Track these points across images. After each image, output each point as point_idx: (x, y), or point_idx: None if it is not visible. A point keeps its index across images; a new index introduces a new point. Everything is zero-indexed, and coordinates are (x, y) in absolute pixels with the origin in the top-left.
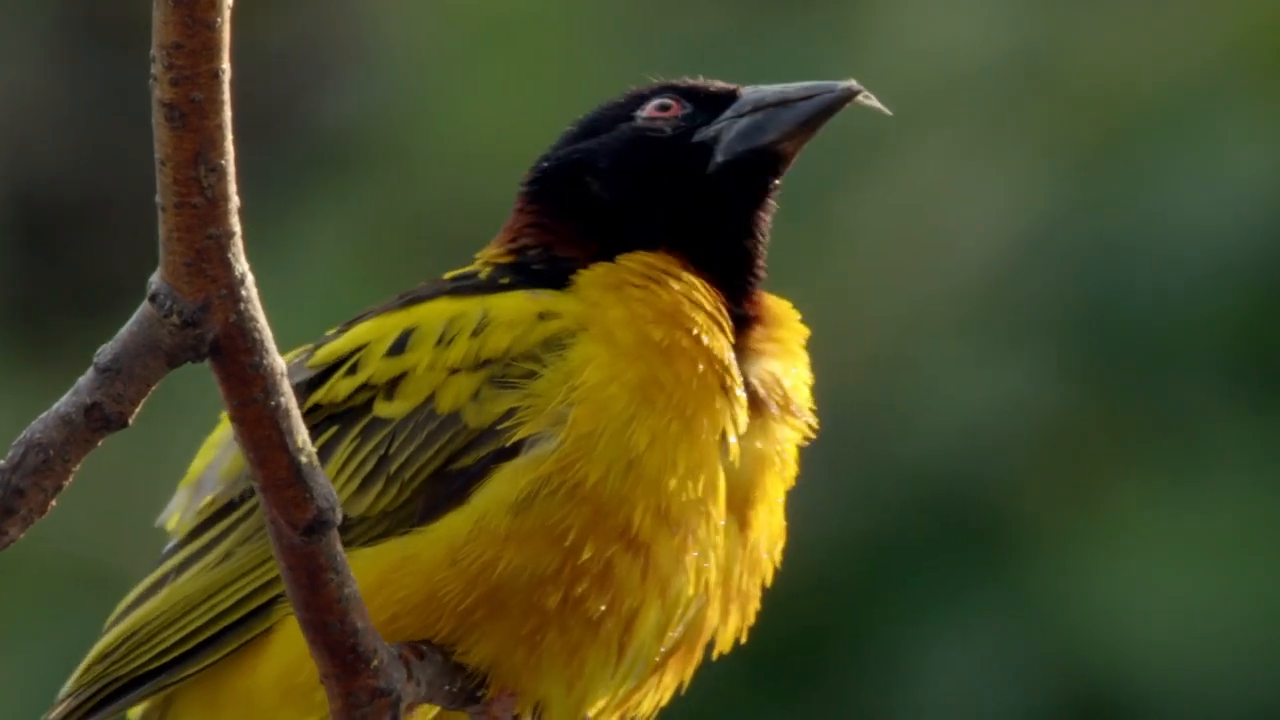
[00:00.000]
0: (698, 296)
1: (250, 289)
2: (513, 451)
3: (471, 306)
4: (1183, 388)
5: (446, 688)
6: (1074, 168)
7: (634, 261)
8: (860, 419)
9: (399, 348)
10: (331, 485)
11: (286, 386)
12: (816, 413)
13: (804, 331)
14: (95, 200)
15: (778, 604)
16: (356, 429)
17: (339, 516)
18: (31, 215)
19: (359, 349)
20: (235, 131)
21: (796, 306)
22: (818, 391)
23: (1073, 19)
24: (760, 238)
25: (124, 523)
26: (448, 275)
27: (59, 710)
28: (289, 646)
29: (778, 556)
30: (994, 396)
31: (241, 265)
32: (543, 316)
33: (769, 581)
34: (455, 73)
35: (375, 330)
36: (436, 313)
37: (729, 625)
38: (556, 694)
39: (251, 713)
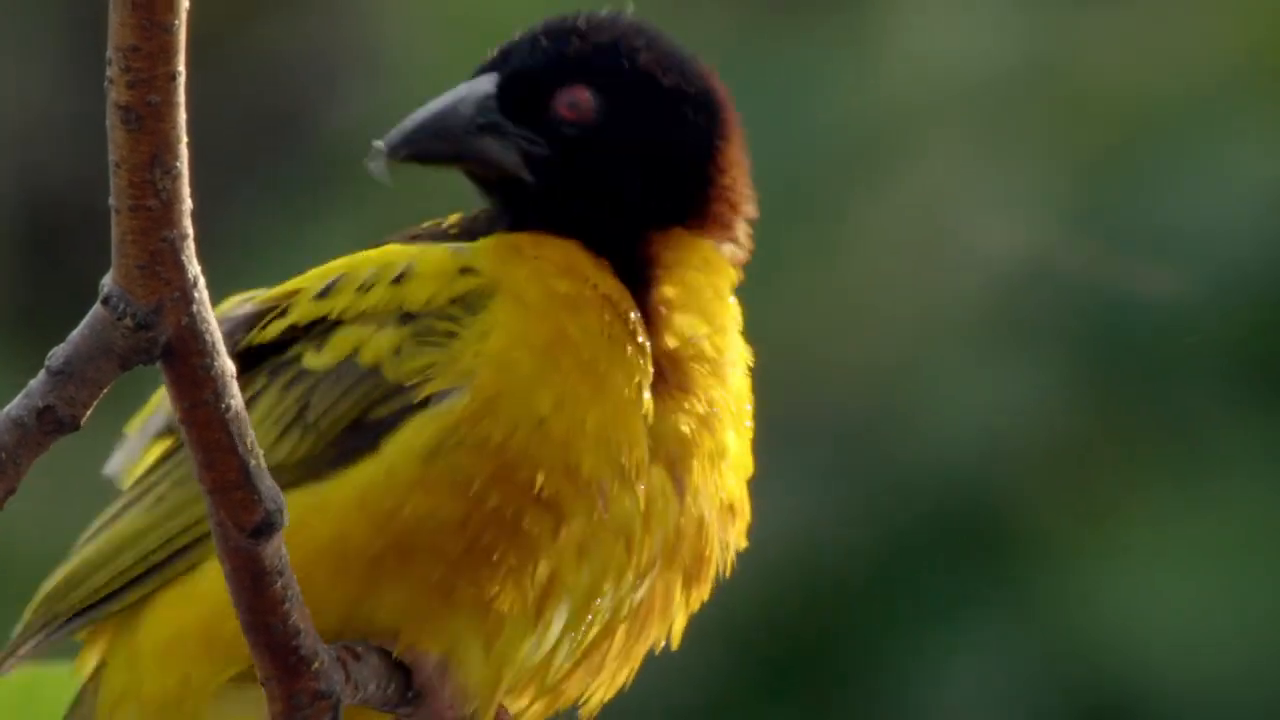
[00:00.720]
0: (581, 255)
1: (202, 291)
2: (424, 405)
3: (404, 256)
4: (1191, 396)
5: (381, 689)
6: (1083, 175)
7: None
8: (868, 426)
9: (326, 291)
10: (278, 489)
11: (236, 390)
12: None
13: (712, 266)
14: (100, 208)
15: (788, 609)
16: (283, 380)
17: (285, 519)
18: (37, 223)
19: (296, 292)
20: (238, 143)
21: (805, 315)
22: (826, 398)
23: (1082, 27)
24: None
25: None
26: (444, 222)
27: (8, 648)
28: (211, 597)
29: (736, 538)
30: (1002, 404)
31: (194, 268)
32: (463, 272)
33: (724, 565)
34: (462, 79)
35: (318, 272)
36: (374, 258)
37: (679, 606)
38: (473, 652)
39: (176, 659)
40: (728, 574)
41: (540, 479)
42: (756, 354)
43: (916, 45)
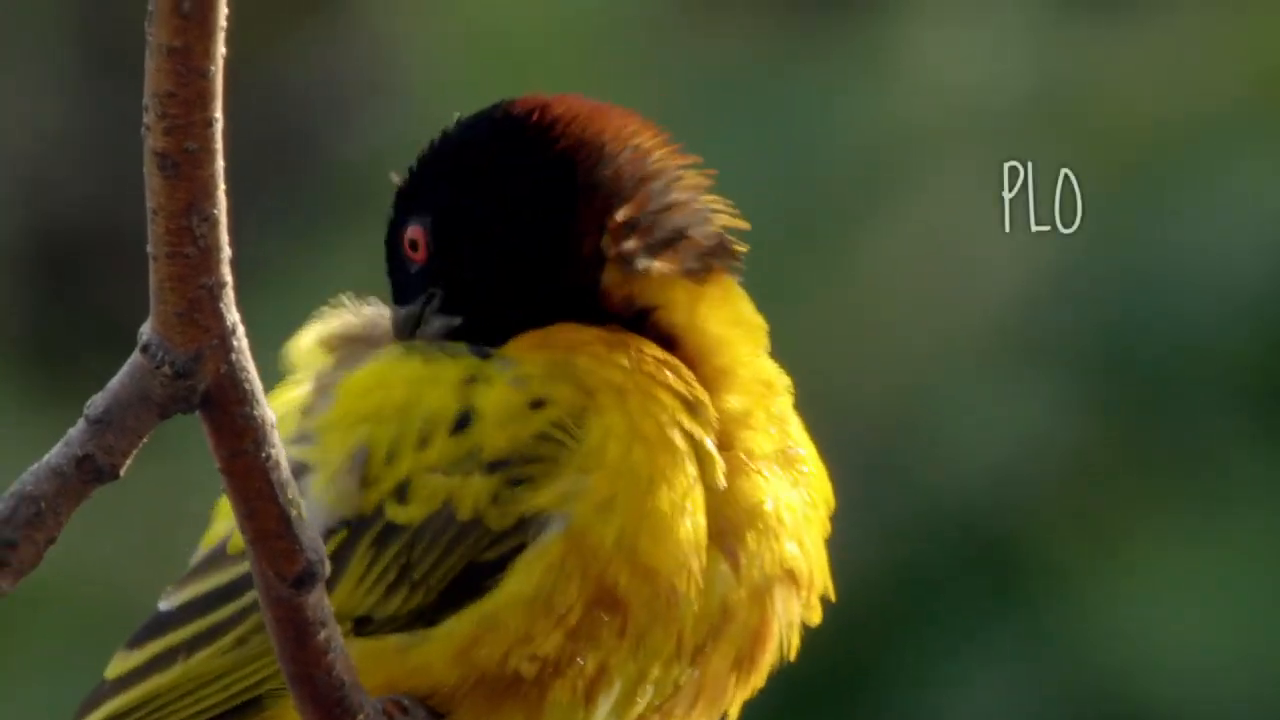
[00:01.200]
0: (646, 349)
1: (241, 339)
2: (523, 546)
3: (444, 397)
4: (1205, 422)
5: None
6: (1098, 198)
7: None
8: (883, 450)
9: (391, 457)
10: (320, 538)
11: (277, 438)
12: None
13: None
14: (114, 235)
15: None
16: (371, 534)
17: (327, 569)
18: (50, 249)
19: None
20: (250, 170)
21: (818, 339)
22: (840, 422)
23: (1096, 51)
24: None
25: (149, 555)
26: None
27: None
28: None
29: (805, 611)
30: (1017, 428)
31: (233, 315)
32: (534, 406)
33: (787, 644)
34: (476, 105)
35: (361, 414)
36: (411, 401)
37: (731, 689)
38: None
39: None
40: (792, 655)
41: (622, 581)
42: None
43: (931, 68)
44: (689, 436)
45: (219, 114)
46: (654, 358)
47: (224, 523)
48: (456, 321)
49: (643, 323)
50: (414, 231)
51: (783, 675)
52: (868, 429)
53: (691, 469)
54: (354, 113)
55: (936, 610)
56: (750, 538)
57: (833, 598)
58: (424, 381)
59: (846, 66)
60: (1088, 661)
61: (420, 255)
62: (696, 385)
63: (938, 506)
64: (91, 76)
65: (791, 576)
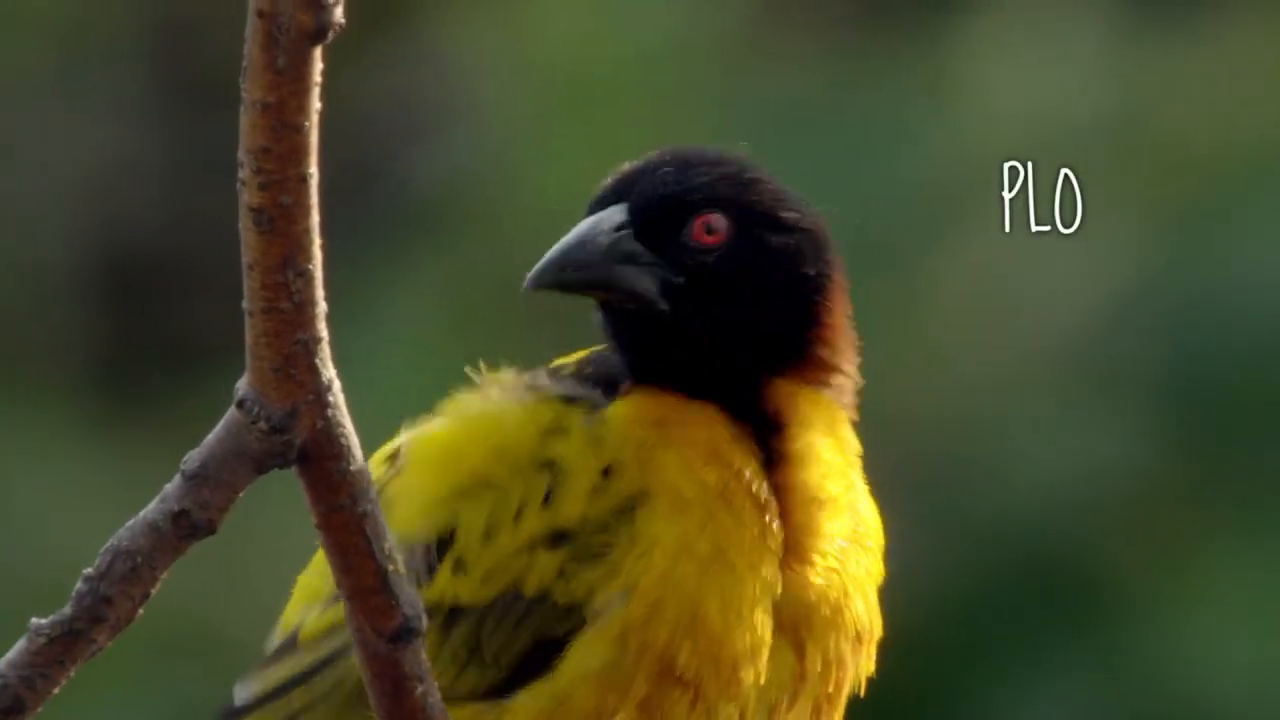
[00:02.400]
0: (721, 430)
1: (337, 394)
2: (587, 620)
3: (538, 458)
4: (1272, 447)
5: None
6: (1163, 228)
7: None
8: (948, 476)
9: (488, 534)
10: (416, 594)
11: (373, 493)
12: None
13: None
14: (185, 259)
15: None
16: (439, 618)
17: (424, 625)
18: (122, 274)
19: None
20: (325, 204)
21: (883, 365)
22: (906, 449)
23: (1163, 78)
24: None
25: (236, 584)
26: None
27: None
28: None
29: (867, 663)
30: (1083, 457)
31: (329, 371)
32: (607, 475)
33: (858, 688)
34: (546, 134)
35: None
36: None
37: None
38: None
39: None
40: (861, 693)
41: (689, 669)
42: None
43: (996, 99)
44: (752, 554)
45: (314, 169)
46: (744, 482)
47: (297, 608)
48: (658, 300)
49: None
50: (715, 219)
51: (850, 702)
52: (934, 455)
53: (749, 580)
54: (420, 138)
55: (1003, 635)
56: (818, 627)
57: (882, 637)
58: (503, 450)
59: (913, 94)
60: (1154, 686)
61: (707, 241)
62: (773, 509)
63: (1004, 532)
64: (165, 106)
65: (857, 638)
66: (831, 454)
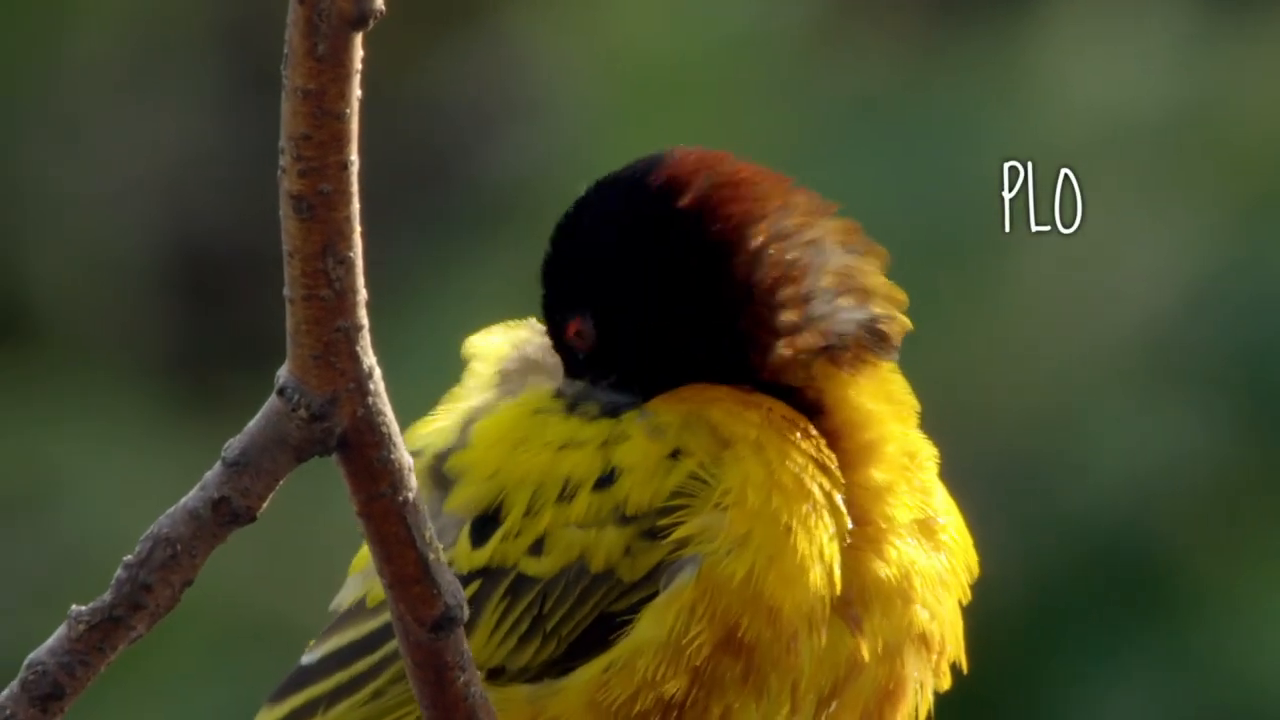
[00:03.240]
0: (776, 408)
1: (378, 382)
2: (654, 595)
3: (587, 459)
4: None
5: None
6: (1238, 220)
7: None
8: (1023, 470)
9: (531, 510)
10: (458, 582)
11: (414, 481)
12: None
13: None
14: (257, 252)
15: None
16: (504, 586)
17: (466, 614)
18: (194, 267)
19: (497, 502)
20: (379, 206)
21: (960, 360)
22: (981, 442)
23: (1237, 73)
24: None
25: (295, 572)
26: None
27: None
28: None
29: (937, 677)
30: (1158, 449)
31: (370, 359)
32: (673, 456)
33: (919, 705)
34: (619, 128)
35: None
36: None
37: None
38: None
39: None
40: (922, 717)
41: (748, 632)
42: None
43: (1072, 93)
44: (824, 491)
45: (354, 156)
46: (784, 417)
47: (364, 576)
48: (627, 399)
49: (792, 395)
50: (577, 325)
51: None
52: (1008, 448)
53: (828, 522)
54: (493, 130)
55: (1079, 629)
56: (877, 604)
57: (964, 668)
58: (565, 446)
59: (987, 86)
60: (1231, 680)
61: (585, 345)
62: (829, 454)
63: (1080, 526)
64: (236, 99)
65: (923, 640)
66: (883, 415)
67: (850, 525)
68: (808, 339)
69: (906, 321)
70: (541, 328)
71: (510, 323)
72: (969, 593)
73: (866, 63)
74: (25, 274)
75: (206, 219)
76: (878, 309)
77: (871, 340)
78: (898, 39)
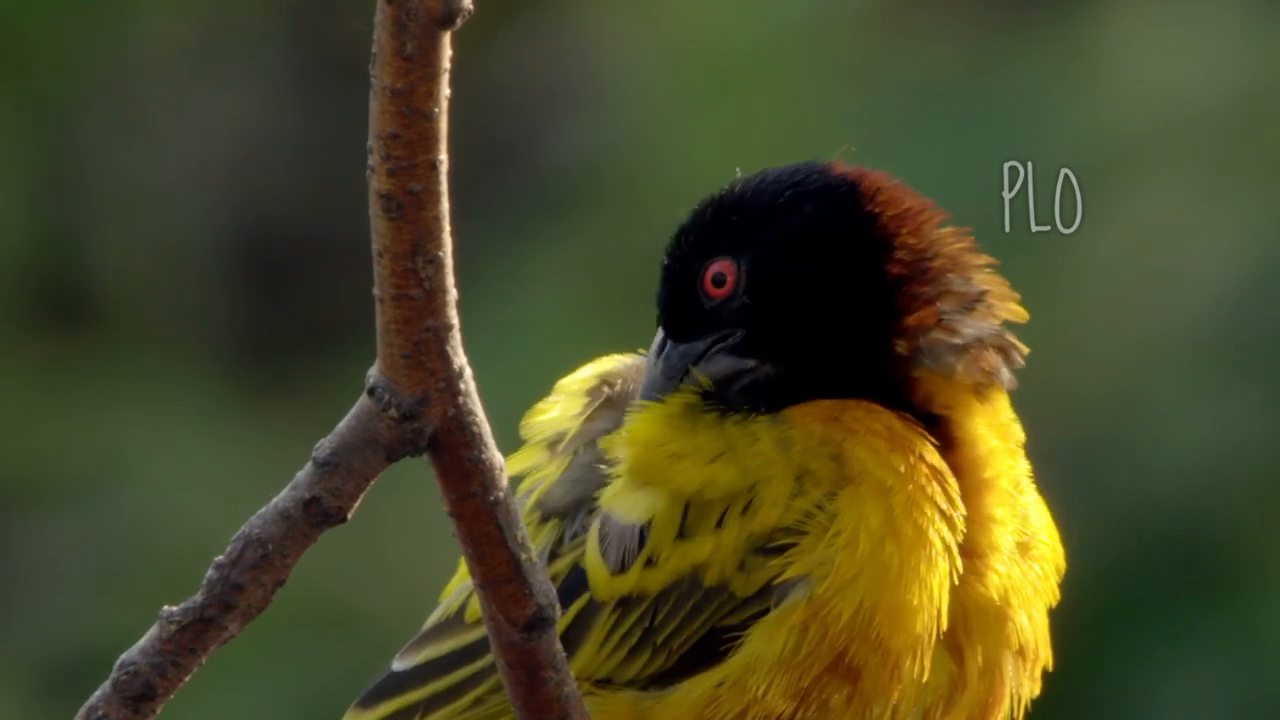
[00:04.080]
0: (927, 456)
1: (468, 382)
2: (766, 611)
3: (736, 475)
4: None
5: None
6: None
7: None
8: (1087, 454)
9: (683, 533)
10: (550, 583)
11: (504, 481)
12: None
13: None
14: (324, 236)
15: None
16: (611, 604)
17: (558, 614)
18: (260, 252)
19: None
20: (463, 183)
21: (1026, 344)
22: (1045, 426)
23: None
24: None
25: (373, 564)
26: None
27: None
28: None
29: (1031, 685)
30: (1224, 433)
31: (460, 358)
32: (800, 479)
33: (1016, 713)
34: (684, 112)
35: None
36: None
37: None
38: None
39: None
40: (1019, 718)
41: (859, 657)
42: None
43: (1136, 76)
44: (942, 539)
45: (444, 155)
46: (929, 468)
47: (458, 586)
48: (749, 364)
49: (931, 420)
50: (723, 266)
51: None
52: (1073, 433)
53: (942, 568)
54: (558, 117)
55: (1142, 612)
56: (978, 630)
57: (1050, 667)
58: (719, 459)
59: (1051, 69)
60: None
61: (724, 291)
62: (957, 499)
63: (1144, 509)
64: (301, 82)
65: (1020, 653)
66: (997, 449)
67: (960, 565)
68: (944, 337)
69: (1024, 349)
70: (628, 361)
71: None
72: (1058, 594)
73: (929, 48)
74: (92, 259)
75: (272, 204)
76: (1007, 332)
77: (1002, 361)
78: (961, 24)
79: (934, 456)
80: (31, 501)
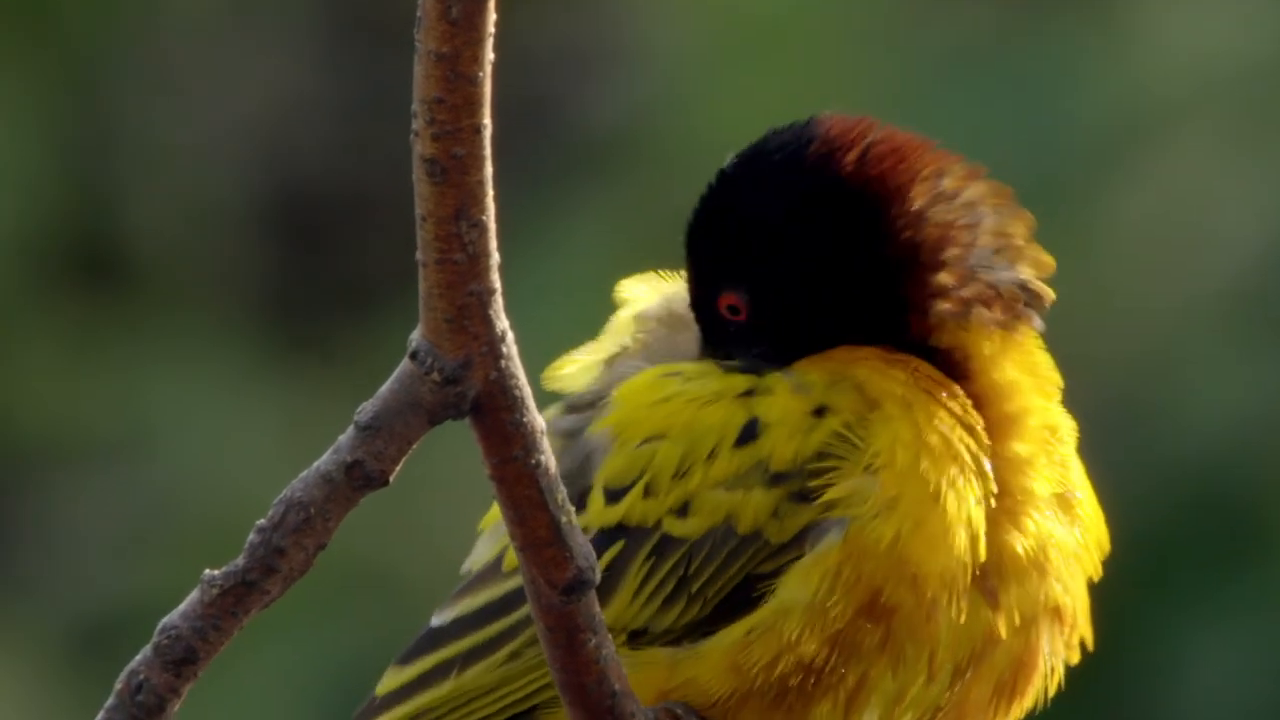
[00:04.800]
0: (923, 368)
1: (510, 346)
2: (800, 555)
3: (729, 410)
4: None
5: None
6: None
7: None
8: (1120, 416)
9: (679, 471)
10: (590, 545)
11: (546, 445)
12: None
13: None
14: (357, 196)
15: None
16: (648, 547)
17: (598, 576)
18: (292, 213)
19: (642, 471)
20: (498, 148)
21: (1057, 307)
22: (1078, 388)
23: None
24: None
25: (407, 524)
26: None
27: None
28: None
29: (1067, 651)
30: (1257, 394)
31: (502, 322)
32: (817, 414)
33: (1050, 678)
34: (716, 72)
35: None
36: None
37: (996, 712)
38: None
39: None
40: (1052, 691)
41: (890, 597)
42: None
43: (1170, 37)
44: (971, 454)
45: (488, 120)
46: (930, 377)
47: (495, 537)
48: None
49: (938, 358)
50: (731, 299)
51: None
52: (1106, 395)
53: (975, 486)
54: (590, 79)
55: (1174, 574)
56: (1014, 576)
57: (1090, 646)
58: (707, 399)
59: (1086, 34)
60: None
61: (740, 318)
62: (971, 408)
63: (1177, 472)
64: (334, 44)
65: (1057, 613)
66: (1025, 387)
67: (995, 490)
68: (969, 292)
69: (1050, 292)
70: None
71: (662, 273)
72: (1100, 569)
73: (962, 11)
74: (125, 220)
75: (305, 164)
76: (1028, 271)
77: (1024, 300)
78: None
79: (942, 378)
80: (64, 463)
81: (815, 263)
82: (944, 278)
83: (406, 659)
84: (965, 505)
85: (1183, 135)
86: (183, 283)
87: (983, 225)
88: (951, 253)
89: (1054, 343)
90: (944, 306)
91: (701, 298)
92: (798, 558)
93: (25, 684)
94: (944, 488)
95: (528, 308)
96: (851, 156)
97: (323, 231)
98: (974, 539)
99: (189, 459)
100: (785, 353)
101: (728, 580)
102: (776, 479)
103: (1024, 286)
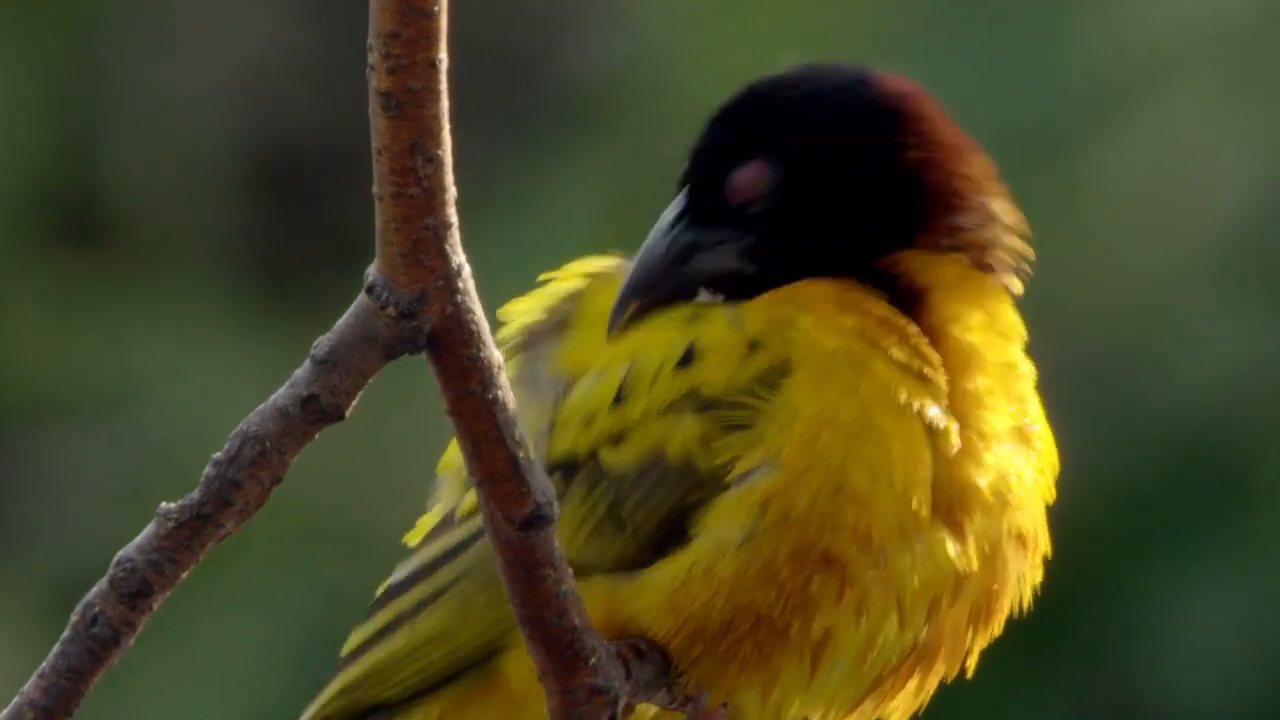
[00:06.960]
0: (873, 307)
1: (467, 280)
2: (728, 486)
3: (675, 337)
4: None
5: (665, 688)
6: None
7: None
8: (1112, 370)
9: (620, 398)
10: (549, 480)
11: (504, 379)
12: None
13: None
14: (344, 152)
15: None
16: (581, 476)
17: (556, 511)
18: (281, 167)
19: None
20: (464, 105)
21: (1045, 260)
22: (1070, 343)
23: None
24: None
25: (376, 477)
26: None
27: None
28: (519, 687)
29: (1032, 572)
30: (1249, 348)
31: (459, 256)
32: (752, 347)
33: (1019, 599)
34: (704, 27)
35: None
36: (651, 346)
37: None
38: (750, 699)
39: None
40: (1023, 609)
41: (834, 546)
42: None
43: None
44: (918, 403)
45: (444, 54)
46: (881, 321)
47: (456, 485)
48: (750, 270)
49: (902, 289)
50: (757, 169)
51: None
52: (1098, 349)
53: (917, 432)
54: (576, 29)
55: (1162, 528)
56: (978, 509)
57: (1049, 556)
58: (653, 326)
59: None
60: None
61: (750, 194)
62: (925, 354)
63: (1168, 426)
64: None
65: (1020, 540)
66: (983, 323)
67: (955, 429)
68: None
69: (1028, 251)
70: (617, 262)
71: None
72: (1054, 491)
73: None
74: (111, 175)
75: (292, 119)
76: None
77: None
78: None
79: (892, 314)
80: (51, 418)
81: (854, 155)
82: (965, 217)
83: (368, 616)
84: (907, 448)
85: (1176, 88)
86: (170, 238)
87: (994, 200)
88: (976, 200)
89: (1047, 296)
90: (962, 230)
91: (708, 170)
92: (725, 489)
93: (13, 638)
94: (872, 438)
95: (512, 264)
96: (917, 107)
97: (308, 186)
98: (919, 480)
99: (177, 413)
100: (770, 248)
101: (655, 509)
102: (706, 406)
103: (1014, 254)
